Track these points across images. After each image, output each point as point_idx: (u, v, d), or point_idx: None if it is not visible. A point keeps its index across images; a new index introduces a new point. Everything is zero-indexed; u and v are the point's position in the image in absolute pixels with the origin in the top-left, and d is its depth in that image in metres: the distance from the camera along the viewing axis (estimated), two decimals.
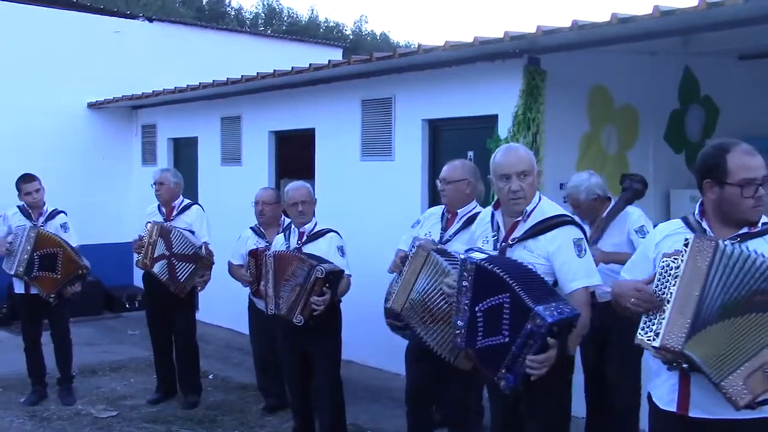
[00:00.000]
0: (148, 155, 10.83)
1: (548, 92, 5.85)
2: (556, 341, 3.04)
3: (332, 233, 5.04)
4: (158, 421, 5.84)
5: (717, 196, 2.71)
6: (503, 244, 3.41)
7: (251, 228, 5.90)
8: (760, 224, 2.73)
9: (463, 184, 4.49)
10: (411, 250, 4.29)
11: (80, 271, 6.20)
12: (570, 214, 3.51)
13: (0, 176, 7.72)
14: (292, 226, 5.12)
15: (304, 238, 5.00)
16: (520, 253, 3.35)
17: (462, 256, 3.33)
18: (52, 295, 6.11)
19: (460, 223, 4.42)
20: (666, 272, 2.64)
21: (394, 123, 7.02)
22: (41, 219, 6.23)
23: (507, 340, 3.10)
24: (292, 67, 7.45)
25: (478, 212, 4.06)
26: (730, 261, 2.53)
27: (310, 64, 7.25)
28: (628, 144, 6.58)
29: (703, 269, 2.56)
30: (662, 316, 2.61)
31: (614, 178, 5.43)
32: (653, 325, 2.63)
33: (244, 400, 6.40)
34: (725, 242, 2.58)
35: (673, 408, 2.73)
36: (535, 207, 3.41)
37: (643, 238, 4.32)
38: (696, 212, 2.82)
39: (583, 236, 3.41)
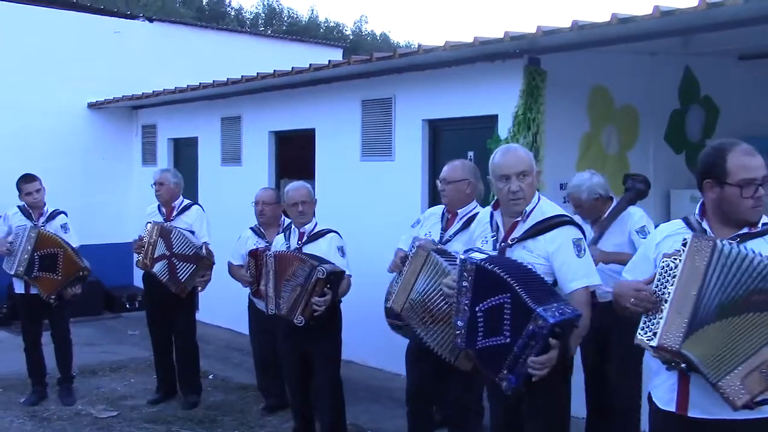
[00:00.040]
0: (149, 155, 10.83)
1: (548, 92, 5.85)
2: (557, 342, 3.04)
3: (332, 233, 5.04)
4: (158, 422, 5.84)
5: (717, 197, 2.72)
6: (503, 244, 3.41)
7: (251, 228, 5.90)
8: (760, 224, 2.73)
9: (463, 184, 4.49)
10: (411, 250, 4.29)
11: (81, 273, 6.20)
12: (569, 215, 3.51)
13: (0, 176, 7.73)
14: (293, 227, 5.12)
15: (305, 238, 4.99)
16: (519, 254, 3.35)
17: (462, 256, 3.33)
18: (53, 297, 6.10)
19: (460, 224, 4.42)
20: (665, 272, 2.64)
21: (394, 123, 7.02)
22: (42, 219, 6.23)
23: (508, 340, 3.10)
24: (293, 68, 7.45)
25: (478, 212, 4.06)
26: (728, 261, 2.53)
27: (310, 65, 7.25)
28: (628, 144, 6.58)
29: (701, 269, 2.56)
30: (660, 316, 2.61)
31: (614, 179, 5.43)
32: (652, 325, 2.63)
33: (244, 400, 6.39)
34: (723, 242, 2.58)
35: (672, 408, 2.74)
36: (534, 207, 3.41)
37: (644, 238, 4.31)
38: (696, 212, 2.83)
39: (582, 236, 3.42)
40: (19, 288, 6.26)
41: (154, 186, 6.21)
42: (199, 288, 6.13)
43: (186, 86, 8.99)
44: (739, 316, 2.50)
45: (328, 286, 4.65)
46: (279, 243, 5.15)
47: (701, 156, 2.81)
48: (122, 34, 10.91)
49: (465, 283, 3.25)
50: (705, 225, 2.77)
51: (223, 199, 8.83)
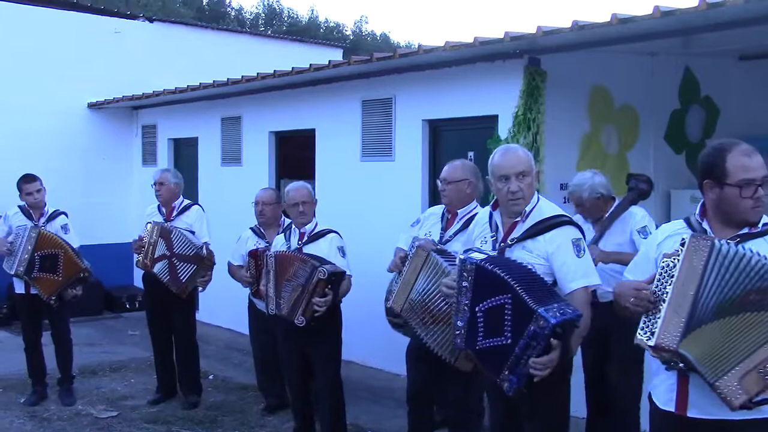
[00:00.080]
0: (149, 155, 10.83)
1: (548, 92, 5.85)
2: (559, 342, 3.03)
3: (333, 234, 5.04)
4: (158, 422, 5.84)
5: (717, 197, 2.72)
6: (502, 244, 3.41)
7: (251, 228, 5.90)
8: (760, 225, 2.73)
9: (463, 184, 4.49)
10: (411, 250, 4.29)
11: (82, 274, 6.19)
12: (568, 215, 3.51)
13: (0, 176, 7.73)
14: (293, 227, 5.12)
15: (305, 238, 4.99)
16: (519, 254, 3.35)
17: (461, 257, 3.33)
18: (53, 298, 6.10)
19: (461, 224, 4.41)
20: (665, 272, 2.64)
21: (395, 123, 7.02)
22: (42, 219, 6.23)
23: (509, 341, 3.10)
24: (293, 68, 7.45)
25: (478, 213, 4.06)
26: (725, 260, 2.53)
27: (310, 65, 7.24)
28: (628, 144, 6.58)
29: (699, 268, 2.56)
30: (658, 316, 2.61)
31: (614, 179, 5.43)
32: (651, 324, 2.63)
33: (244, 400, 6.40)
34: (721, 241, 2.58)
35: (671, 408, 2.74)
36: (533, 207, 3.41)
37: (645, 238, 4.32)
38: (697, 213, 2.83)
39: (581, 236, 3.41)
40: (19, 288, 6.27)
41: (154, 186, 6.20)
42: (200, 288, 6.13)
43: (186, 86, 8.99)
44: (737, 316, 2.50)
45: (329, 286, 4.65)
46: (279, 243, 5.14)
47: (701, 156, 2.81)
48: (122, 34, 10.90)
49: (465, 284, 3.24)
50: (705, 225, 2.77)
51: (223, 200, 8.83)
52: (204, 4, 33.66)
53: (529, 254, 3.33)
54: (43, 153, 9.83)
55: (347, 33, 36.95)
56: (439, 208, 4.71)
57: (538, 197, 3.48)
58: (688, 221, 2.84)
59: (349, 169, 7.51)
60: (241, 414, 6.02)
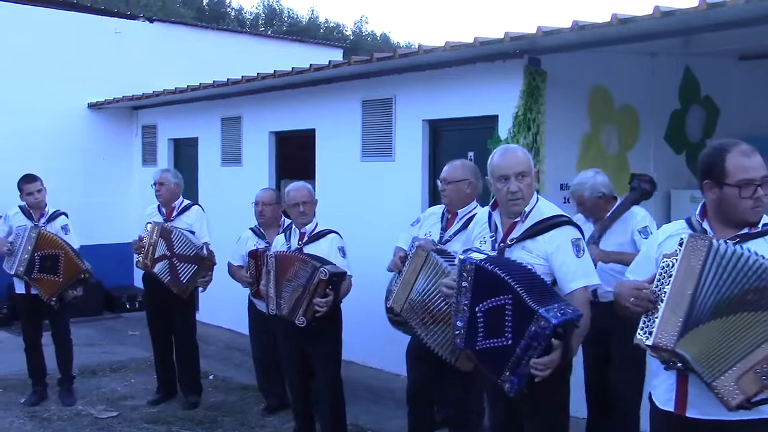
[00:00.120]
0: (149, 156, 10.83)
1: (548, 93, 5.85)
2: (560, 342, 3.03)
3: (333, 234, 5.04)
4: (159, 422, 5.83)
5: (716, 197, 2.72)
6: (501, 244, 3.41)
7: (251, 229, 5.90)
8: (760, 225, 2.73)
9: (463, 184, 4.49)
10: (411, 250, 4.29)
11: (82, 275, 6.19)
12: (567, 215, 3.51)
13: (0, 177, 7.72)
14: (293, 227, 5.12)
15: (305, 238, 4.99)
16: (518, 254, 3.34)
17: (461, 257, 3.32)
18: (54, 299, 6.10)
19: (460, 224, 4.41)
20: (665, 272, 2.65)
21: (395, 123, 7.02)
22: (42, 220, 6.23)
23: (510, 342, 3.09)
24: (293, 68, 7.45)
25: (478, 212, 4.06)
26: (723, 260, 2.53)
27: (310, 65, 7.25)
28: (628, 144, 6.58)
29: (697, 268, 2.56)
30: (656, 315, 2.61)
31: (614, 179, 5.41)
32: (650, 324, 2.63)
33: (244, 400, 6.40)
34: (719, 241, 2.58)
35: (670, 408, 2.74)
36: (533, 207, 3.41)
37: (646, 238, 4.31)
38: (697, 213, 2.83)
39: (581, 236, 3.41)
40: (19, 288, 6.27)
41: (154, 186, 6.20)
42: (201, 288, 6.13)
43: (186, 86, 8.99)
44: (734, 315, 2.50)
45: (330, 287, 4.64)
46: (279, 243, 5.14)
47: (701, 156, 2.81)
48: (122, 34, 10.91)
49: (464, 284, 3.24)
50: (706, 225, 2.77)
51: (223, 200, 8.83)
52: (204, 4, 33.66)
53: (529, 254, 3.32)
54: (43, 153, 9.83)
55: (347, 33, 36.96)
56: (439, 208, 4.71)
57: (538, 197, 3.48)
58: (689, 221, 2.84)
59: (349, 170, 7.51)
60: (241, 414, 6.02)
